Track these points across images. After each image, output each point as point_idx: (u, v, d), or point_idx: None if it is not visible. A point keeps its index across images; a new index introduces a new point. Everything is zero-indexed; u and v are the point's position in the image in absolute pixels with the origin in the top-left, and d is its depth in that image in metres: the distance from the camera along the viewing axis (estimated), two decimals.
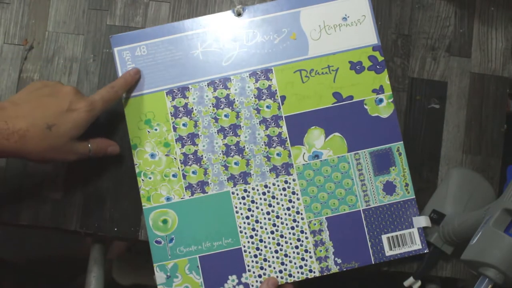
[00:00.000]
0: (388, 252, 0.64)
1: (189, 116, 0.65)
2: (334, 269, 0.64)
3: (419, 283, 0.65)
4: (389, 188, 0.65)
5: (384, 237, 0.64)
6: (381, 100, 0.65)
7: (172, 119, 0.65)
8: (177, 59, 0.65)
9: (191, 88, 0.65)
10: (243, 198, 0.64)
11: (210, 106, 0.65)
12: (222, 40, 0.66)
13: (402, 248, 0.64)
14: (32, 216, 0.66)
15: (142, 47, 0.65)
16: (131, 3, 0.68)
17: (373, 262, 0.64)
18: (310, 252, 0.64)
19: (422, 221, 0.64)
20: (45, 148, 0.55)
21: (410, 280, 0.65)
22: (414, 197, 0.65)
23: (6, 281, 1.02)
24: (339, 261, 0.64)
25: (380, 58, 0.66)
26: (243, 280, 0.64)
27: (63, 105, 0.57)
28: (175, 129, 0.65)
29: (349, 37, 0.66)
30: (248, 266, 0.64)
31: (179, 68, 0.65)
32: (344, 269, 0.64)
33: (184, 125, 0.65)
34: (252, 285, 0.63)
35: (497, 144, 0.67)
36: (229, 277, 0.64)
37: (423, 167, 0.67)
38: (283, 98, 0.65)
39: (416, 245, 0.64)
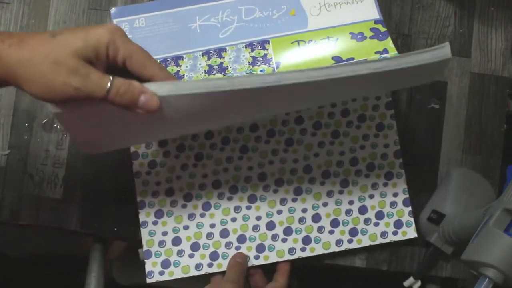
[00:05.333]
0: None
1: None
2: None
3: (419, 283, 0.65)
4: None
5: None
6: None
7: None
8: (175, 31, 0.64)
9: (185, 57, 0.64)
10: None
11: (202, 73, 0.63)
12: (221, 15, 0.65)
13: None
14: (32, 216, 0.66)
15: (141, 19, 0.65)
16: (131, 3, 0.68)
17: None
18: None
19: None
20: (43, 56, 0.42)
21: (410, 280, 0.65)
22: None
23: (8, 275, 1.02)
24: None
25: (383, 29, 0.62)
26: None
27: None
28: None
29: (349, 14, 0.63)
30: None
31: (175, 40, 0.64)
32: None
33: None
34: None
35: (497, 144, 0.67)
36: None
37: (423, 167, 0.67)
38: (278, 63, 0.63)
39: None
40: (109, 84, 0.43)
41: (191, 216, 0.64)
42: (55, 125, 0.67)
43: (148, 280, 0.64)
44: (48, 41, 0.43)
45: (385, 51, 0.61)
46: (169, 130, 0.55)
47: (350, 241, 0.64)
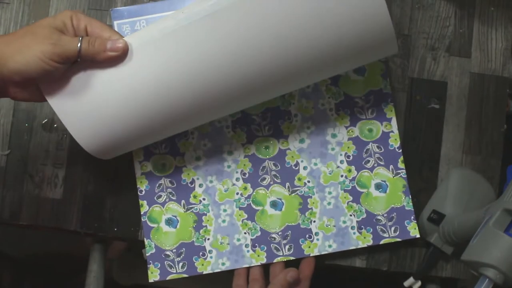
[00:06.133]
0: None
1: None
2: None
3: (419, 283, 0.65)
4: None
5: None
6: None
7: None
8: None
9: None
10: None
11: None
12: None
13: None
14: (32, 216, 0.66)
15: (141, 22, 0.65)
16: (131, 3, 0.68)
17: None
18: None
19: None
20: (24, 33, 0.51)
21: (410, 280, 0.65)
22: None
23: (6, 274, 1.02)
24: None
25: None
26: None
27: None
28: None
29: None
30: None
31: None
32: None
33: None
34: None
35: (497, 144, 0.67)
36: None
37: (423, 167, 0.67)
38: None
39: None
40: (79, 40, 0.52)
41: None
42: (55, 125, 0.67)
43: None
44: (26, 26, 0.54)
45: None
46: (159, 120, 0.56)
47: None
